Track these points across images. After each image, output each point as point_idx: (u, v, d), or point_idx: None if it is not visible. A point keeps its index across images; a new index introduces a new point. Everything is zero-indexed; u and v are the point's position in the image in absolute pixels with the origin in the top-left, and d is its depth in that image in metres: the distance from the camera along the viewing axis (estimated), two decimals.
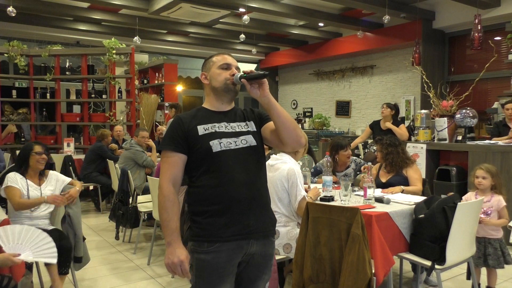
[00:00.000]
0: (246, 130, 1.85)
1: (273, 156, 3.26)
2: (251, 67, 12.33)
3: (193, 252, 1.77)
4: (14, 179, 3.22)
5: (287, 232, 3.03)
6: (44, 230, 2.82)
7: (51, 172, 3.50)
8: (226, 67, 1.84)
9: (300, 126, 9.88)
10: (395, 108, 5.86)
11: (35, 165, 3.29)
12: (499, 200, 3.12)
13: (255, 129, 1.88)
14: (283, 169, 3.06)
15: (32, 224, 3.16)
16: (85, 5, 7.39)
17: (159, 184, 1.80)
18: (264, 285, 1.91)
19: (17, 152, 6.29)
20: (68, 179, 3.49)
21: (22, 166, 3.30)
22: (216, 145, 1.75)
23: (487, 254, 3.10)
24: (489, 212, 3.11)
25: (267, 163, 3.25)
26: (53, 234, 2.89)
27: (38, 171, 3.35)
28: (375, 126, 5.94)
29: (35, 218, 3.26)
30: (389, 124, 5.64)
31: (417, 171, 3.74)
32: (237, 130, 1.83)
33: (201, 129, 1.79)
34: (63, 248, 3.06)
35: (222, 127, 1.82)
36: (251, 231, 1.77)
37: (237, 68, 1.87)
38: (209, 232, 1.74)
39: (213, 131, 1.79)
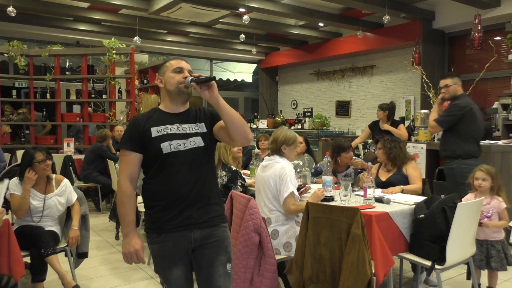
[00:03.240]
0: (195, 132, 1.99)
1: (266, 158, 3.29)
2: (251, 67, 12.33)
3: (148, 243, 2.01)
4: (17, 189, 3.19)
5: (286, 231, 3.05)
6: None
7: (65, 182, 3.40)
8: (179, 70, 1.98)
9: (300, 126, 9.87)
10: (388, 108, 5.68)
11: (41, 172, 3.24)
12: (499, 202, 3.11)
13: (205, 130, 2.02)
14: (276, 167, 3.10)
15: (39, 222, 3.24)
16: (85, 5, 7.39)
17: (118, 180, 2.00)
18: (224, 266, 1.99)
19: (17, 152, 6.37)
20: (74, 199, 3.41)
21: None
22: (166, 147, 1.92)
23: (490, 256, 3.09)
24: (490, 214, 3.10)
25: (261, 164, 3.28)
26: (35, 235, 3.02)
27: (44, 177, 3.31)
28: (374, 126, 5.92)
29: (45, 216, 3.29)
30: (387, 126, 5.60)
31: (417, 169, 3.74)
32: (187, 131, 1.98)
33: (154, 131, 1.94)
34: (34, 256, 3.06)
35: (174, 128, 1.96)
36: (192, 222, 1.94)
37: (190, 71, 1.99)
38: (157, 225, 1.95)
39: (165, 133, 1.94)
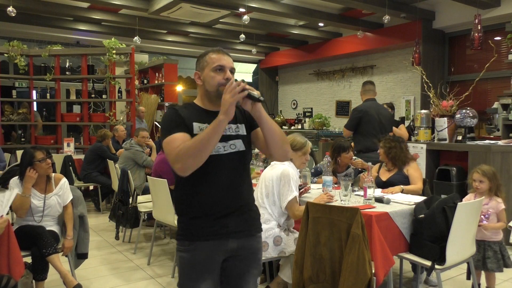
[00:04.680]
0: (236, 134, 1.83)
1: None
2: (251, 67, 12.34)
3: (177, 251, 1.84)
4: (17, 188, 3.18)
5: (265, 230, 3.01)
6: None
7: (63, 181, 3.40)
8: (220, 68, 1.77)
9: (300, 126, 9.87)
10: (393, 107, 5.94)
11: (43, 171, 3.24)
12: (497, 203, 3.11)
13: (245, 133, 1.86)
14: (279, 169, 3.09)
15: (40, 221, 3.27)
16: (85, 5, 7.38)
17: (172, 161, 1.67)
18: (255, 279, 1.91)
19: (17, 152, 6.38)
20: (68, 199, 3.38)
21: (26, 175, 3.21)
22: None
23: (487, 257, 3.09)
24: (487, 215, 3.10)
25: (270, 164, 3.29)
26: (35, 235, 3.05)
27: (44, 176, 3.30)
28: None
29: (45, 215, 3.30)
30: None
31: (418, 170, 3.74)
32: (228, 133, 1.79)
33: (197, 128, 1.76)
34: (35, 255, 3.06)
35: None
36: (229, 231, 1.80)
37: (232, 70, 1.80)
38: (190, 232, 1.79)
39: None
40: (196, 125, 1.76)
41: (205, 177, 1.75)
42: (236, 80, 1.69)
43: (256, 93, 1.67)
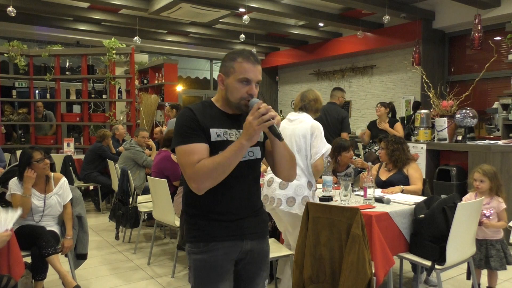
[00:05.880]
0: (256, 142, 1.77)
1: (292, 113, 3.28)
2: None
3: (190, 254, 1.77)
4: (17, 189, 3.19)
5: (296, 186, 3.00)
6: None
7: (63, 180, 3.40)
8: (246, 81, 1.68)
9: None
10: (389, 106, 5.94)
11: (41, 172, 3.24)
12: (498, 203, 3.12)
13: (262, 140, 1.83)
14: (306, 122, 3.10)
15: (40, 221, 3.27)
16: (85, 5, 7.39)
17: (187, 177, 1.64)
18: (264, 282, 1.91)
19: (17, 152, 6.38)
20: (68, 198, 3.38)
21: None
22: None
23: (489, 256, 3.10)
24: (489, 214, 3.11)
25: (287, 118, 3.27)
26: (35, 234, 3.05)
27: (44, 176, 3.30)
28: (372, 126, 5.99)
29: (45, 215, 3.30)
30: (384, 126, 5.72)
31: (418, 170, 3.75)
32: None
33: (214, 134, 1.69)
34: (35, 256, 3.06)
35: (232, 135, 1.73)
36: (245, 232, 1.79)
37: (257, 83, 1.72)
38: (205, 233, 1.74)
39: (225, 139, 1.70)
40: (213, 132, 1.69)
41: (222, 183, 1.68)
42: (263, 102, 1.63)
43: (277, 127, 1.62)
